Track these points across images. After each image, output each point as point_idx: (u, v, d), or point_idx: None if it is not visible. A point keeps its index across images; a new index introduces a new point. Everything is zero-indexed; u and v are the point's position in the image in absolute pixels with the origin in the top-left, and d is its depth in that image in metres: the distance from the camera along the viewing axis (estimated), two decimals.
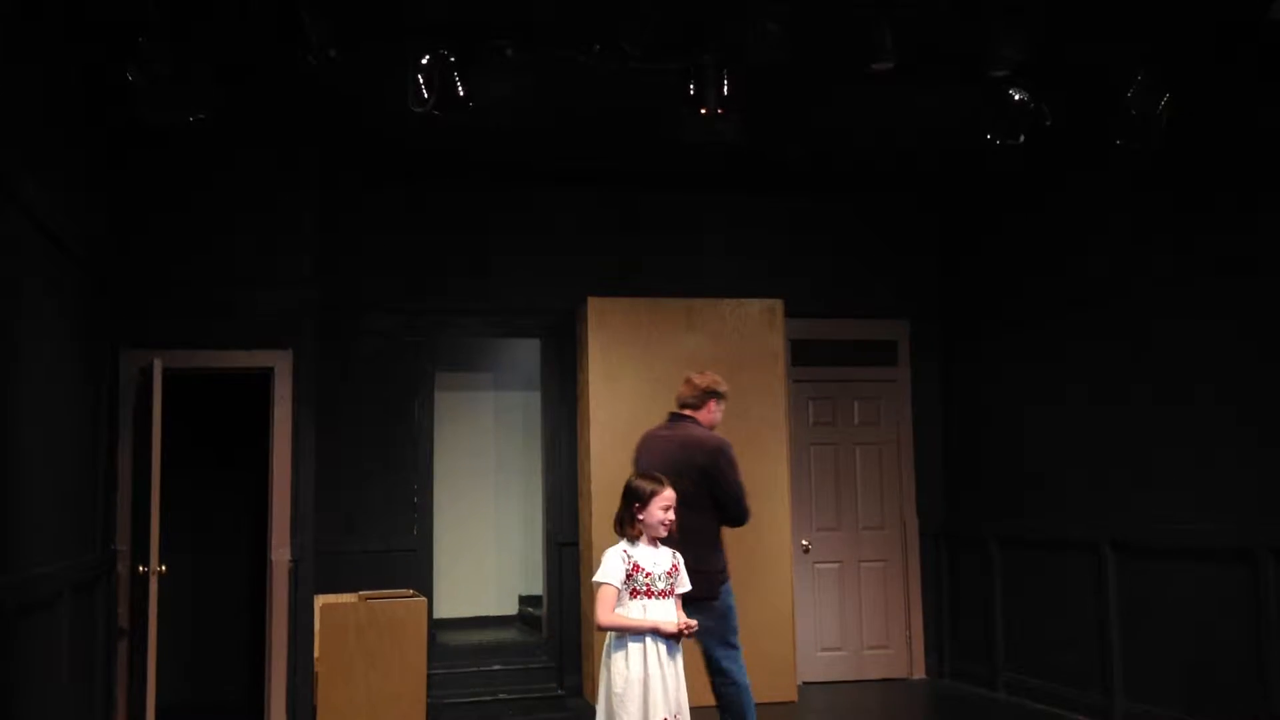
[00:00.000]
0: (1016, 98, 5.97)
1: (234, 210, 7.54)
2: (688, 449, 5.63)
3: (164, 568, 6.85)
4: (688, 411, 5.86)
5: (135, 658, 6.92)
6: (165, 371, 7.00)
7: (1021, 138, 6.11)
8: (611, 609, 4.48)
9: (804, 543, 8.74)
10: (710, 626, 5.41)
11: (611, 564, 4.52)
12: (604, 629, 4.55)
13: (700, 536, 5.38)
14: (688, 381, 5.92)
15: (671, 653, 4.51)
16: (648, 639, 4.45)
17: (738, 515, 5.80)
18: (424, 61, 5.42)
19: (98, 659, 6.50)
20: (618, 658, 4.46)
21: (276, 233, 7.60)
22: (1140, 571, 6.83)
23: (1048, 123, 6.07)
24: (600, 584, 4.52)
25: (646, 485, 4.61)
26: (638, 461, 5.69)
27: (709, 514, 5.63)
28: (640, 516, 4.57)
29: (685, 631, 4.49)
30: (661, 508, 4.57)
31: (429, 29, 5.46)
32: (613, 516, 4.69)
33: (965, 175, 8.50)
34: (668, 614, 4.51)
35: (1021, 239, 8.14)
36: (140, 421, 7.09)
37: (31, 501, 4.95)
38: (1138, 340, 6.90)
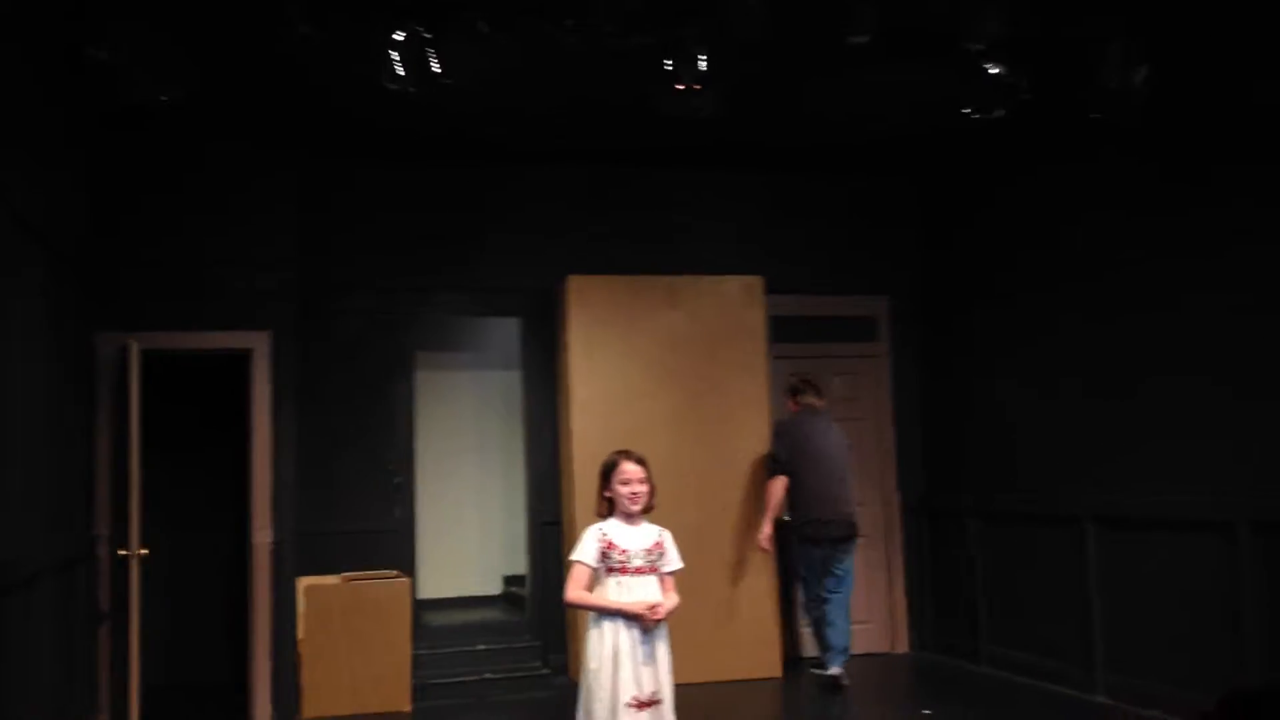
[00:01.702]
0: (994, 71, 5.96)
1: (211, 191, 7.50)
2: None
3: (145, 550, 6.83)
4: (820, 404, 8.08)
5: (117, 641, 6.91)
6: (143, 353, 6.96)
7: (1000, 112, 6.11)
8: (581, 587, 4.46)
9: (785, 518, 8.74)
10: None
11: (585, 543, 4.51)
12: (569, 606, 4.59)
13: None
14: (810, 383, 8.11)
15: (646, 633, 4.46)
16: (619, 618, 4.44)
17: None
18: (397, 38, 5.38)
19: (79, 642, 6.48)
20: (593, 635, 4.46)
21: (254, 213, 7.56)
22: (1121, 544, 6.87)
23: (1026, 97, 6.06)
24: (573, 561, 4.52)
25: (608, 460, 4.60)
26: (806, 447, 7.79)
27: None
28: (607, 494, 4.57)
29: (650, 615, 4.41)
30: (621, 481, 4.52)
31: (402, 5, 5.41)
32: (595, 494, 4.68)
33: (945, 152, 8.49)
34: (648, 592, 4.49)
35: (1003, 215, 8.15)
36: (118, 404, 7.05)
37: (9, 485, 4.92)
38: (1118, 315, 6.93)
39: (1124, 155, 6.86)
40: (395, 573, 7.74)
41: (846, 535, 7.76)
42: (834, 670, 7.65)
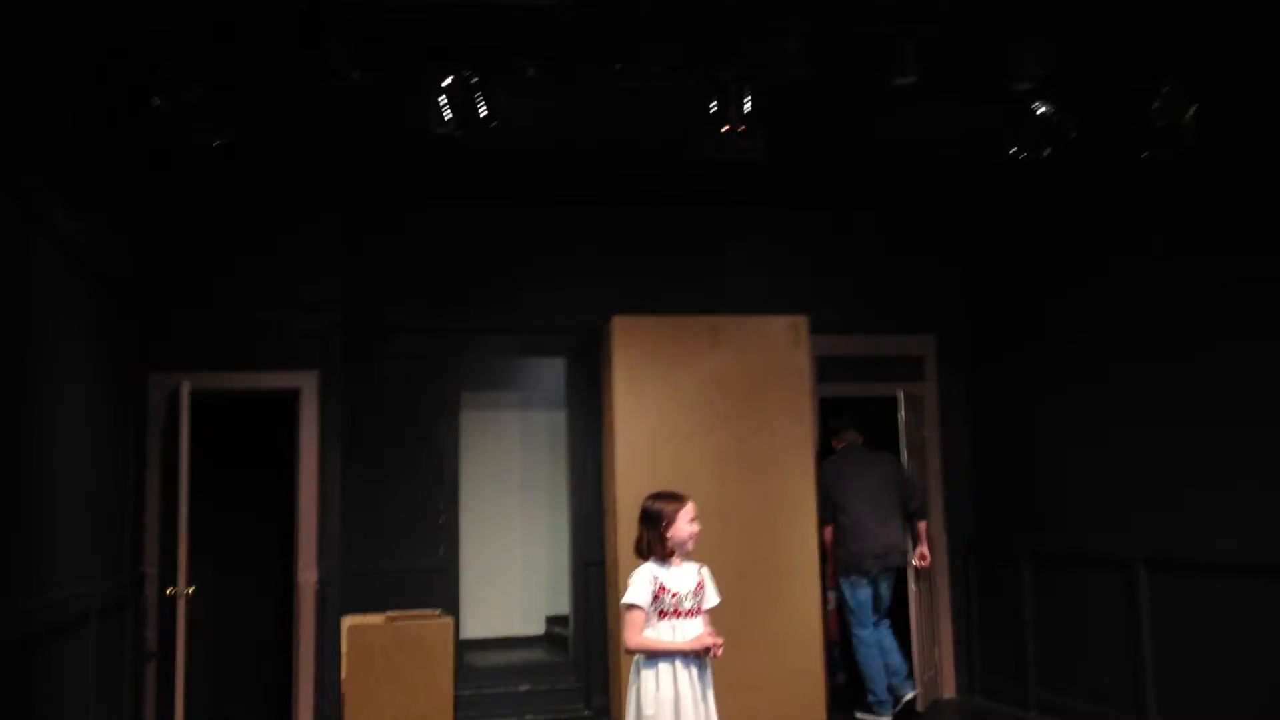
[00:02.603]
0: (1040, 111, 5.93)
1: (259, 233, 7.60)
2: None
3: (192, 589, 6.87)
4: (858, 440, 8.39)
5: (163, 680, 6.94)
6: (192, 393, 7.03)
7: (1048, 151, 6.07)
8: (639, 631, 4.45)
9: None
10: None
11: (639, 585, 4.49)
12: (632, 652, 4.52)
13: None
14: (846, 420, 8.45)
15: (701, 673, 4.47)
16: (676, 659, 4.42)
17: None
18: (446, 83, 5.44)
19: (126, 681, 6.52)
20: (647, 677, 4.43)
21: (301, 255, 7.66)
22: (1174, 587, 6.74)
23: (1073, 135, 6.02)
24: (628, 606, 4.49)
25: (668, 505, 4.58)
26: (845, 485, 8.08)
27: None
28: (668, 535, 4.55)
29: (714, 649, 4.46)
30: (688, 520, 4.55)
31: (451, 50, 5.47)
32: (642, 536, 4.66)
33: (993, 189, 8.45)
34: (696, 633, 4.48)
35: (1052, 252, 8.07)
36: (168, 443, 7.12)
37: (60, 524, 4.97)
38: (1171, 356, 6.83)
39: (1175, 192, 6.78)
40: (438, 612, 7.74)
41: (894, 565, 8.01)
42: (909, 694, 7.91)
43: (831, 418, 8.57)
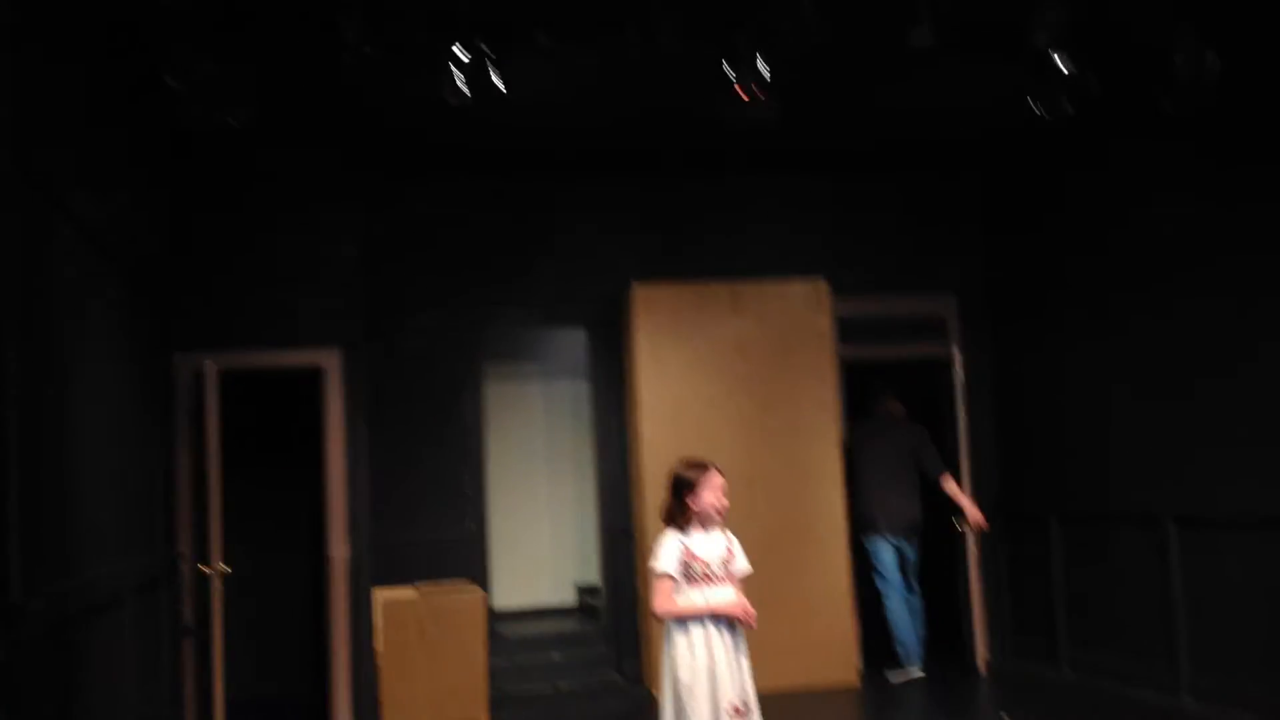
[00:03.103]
0: (1061, 68, 5.86)
1: (279, 212, 7.62)
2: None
3: (225, 567, 6.94)
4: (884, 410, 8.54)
5: (201, 656, 7.02)
6: (218, 373, 7.08)
7: (1069, 109, 6.01)
8: (669, 598, 4.45)
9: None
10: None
11: (668, 552, 4.48)
12: (662, 618, 4.51)
13: None
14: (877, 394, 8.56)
15: (735, 639, 4.46)
16: (709, 624, 4.41)
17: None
18: (459, 54, 5.42)
19: (164, 658, 6.60)
20: (680, 643, 4.42)
21: (322, 233, 7.68)
22: (1205, 544, 6.71)
23: (1094, 92, 5.96)
24: (657, 573, 4.48)
25: (694, 473, 4.56)
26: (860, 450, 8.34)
27: None
28: (691, 504, 4.53)
29: (747, 620, 4.45)
30: (713, 491, 4.53)
31: (463, 21, 5.45)
32: (666, 502, 4.66)
33: (1013, 148, 8.37)
34: (727, 599, 4.48)
35: (1075, 209, 7.99)
36: (196, 423, 7.17)
37: (93, 505, 5.03)
38: (1198, 311, 6.77)
39: (1199, 145, 6.70)
40: (470, 584, 7.79)
41: (901, 530, 8.17)
42: (916, 671, 8.02)
43: (873, 387, 8.67)
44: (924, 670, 8.05)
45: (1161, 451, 7.07)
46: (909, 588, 8.18)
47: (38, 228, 4.31)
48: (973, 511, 8.29)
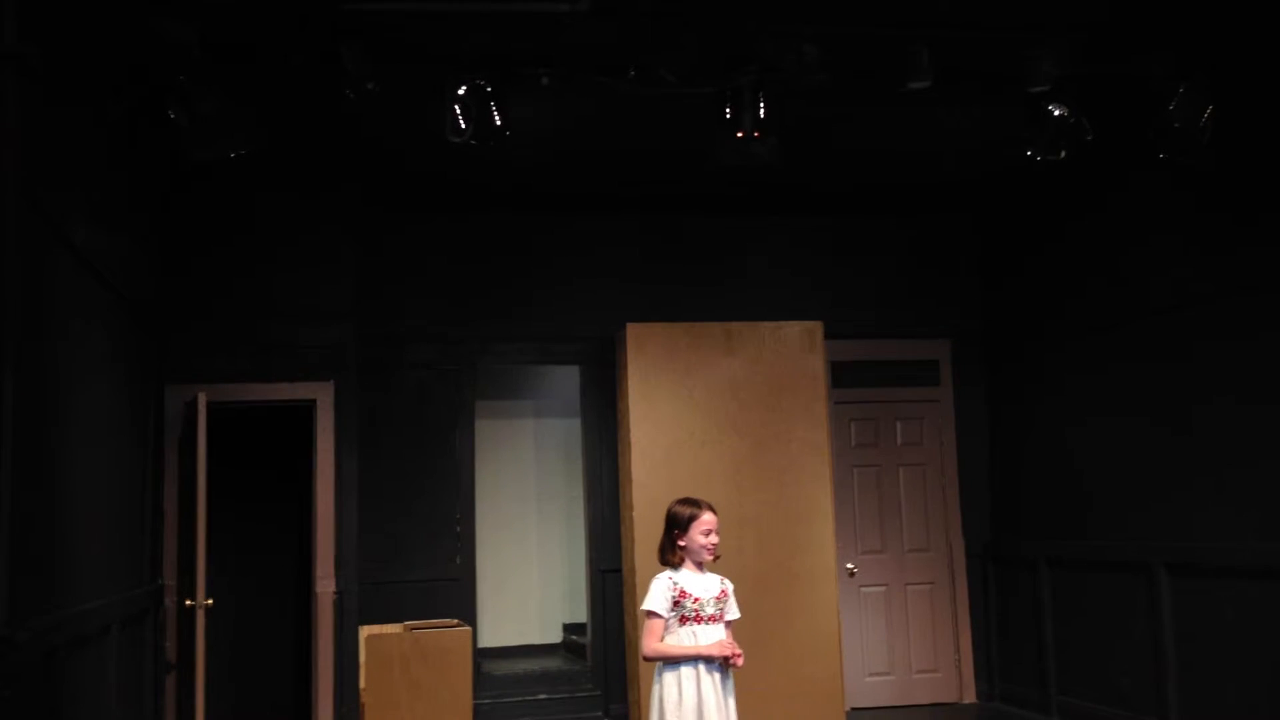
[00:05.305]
0: (1056, 113, 5.92)
1: (275, 245, 7.62)
2: None
3: (210, 600, 6.87)
4: None
5: (184, 690, 6.94)
6: (209, 405, 7.04)
7: (1063, 154, 6.06)
8: (658, 638, 4.43)
9: (849, 566, 8.66)
10: None
11: (658, 592, 4.47)
12: (650, 659, 4.49)
13: None
14: None
15: (723, 680, 4.44)
16: (699, 664, 4.39)
17: None
18: (461, 91, 5.45)
19: (146, 693, 6.52)
20: (669, 683, 4.41)
21: (317, 266, 7.67)
22: (1195, 592, 6.70)
23: (1089, 138, 6.01)
24: (646, 612, 4.47)
25: (685, 510, 4.55)
26: None
27: None
28: (681, 543, 4.52)
29: (734, 659, 4.44)
30: (702, 532, 4.50)
31: (465, 60, 5.48)
32: (656, 542, 4.65)
33: (1007, 194, 8.43)
34: (716, 639, 4.46)
35: (1066, 255, 8.04)
36: (185, 455, 7.13)
37: (80, 537, 4.98)
38: (1186, 355, 6.80)
39: (1189, 194, 6.76)
40: (456, 622, 7.73)
41: None
42: None
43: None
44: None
45: (1152, 496, 7.07)
46: None
47: (36, 257, 4.30)
48: None
